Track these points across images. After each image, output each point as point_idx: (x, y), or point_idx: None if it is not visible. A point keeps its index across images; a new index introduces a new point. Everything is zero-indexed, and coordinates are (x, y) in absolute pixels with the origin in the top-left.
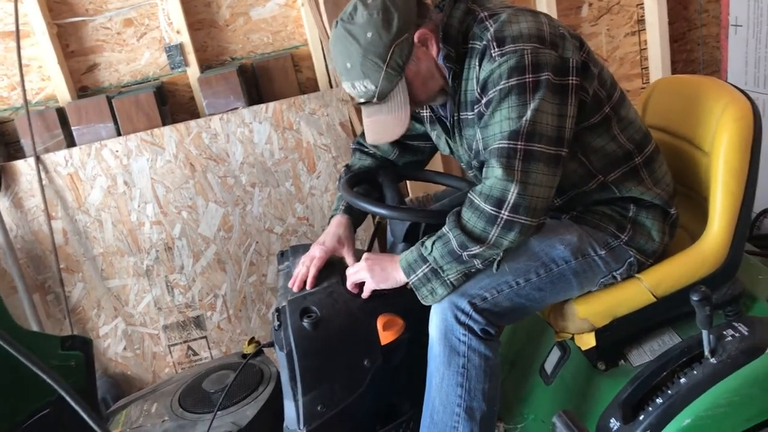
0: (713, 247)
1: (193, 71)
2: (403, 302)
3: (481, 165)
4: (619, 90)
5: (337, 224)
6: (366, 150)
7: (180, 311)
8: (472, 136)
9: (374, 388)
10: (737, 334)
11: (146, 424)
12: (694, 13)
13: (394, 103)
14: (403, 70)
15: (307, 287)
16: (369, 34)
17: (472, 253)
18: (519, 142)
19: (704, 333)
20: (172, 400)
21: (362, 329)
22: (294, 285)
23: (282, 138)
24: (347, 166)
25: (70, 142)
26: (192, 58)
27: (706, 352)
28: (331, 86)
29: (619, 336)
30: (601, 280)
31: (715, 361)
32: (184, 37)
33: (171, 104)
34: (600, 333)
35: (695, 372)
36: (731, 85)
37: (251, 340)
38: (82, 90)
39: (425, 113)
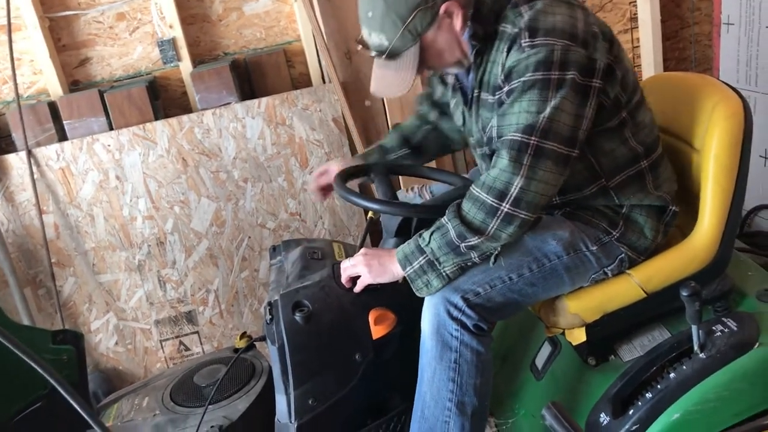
0: (703, 244)
1: (185, 66)
2: (395, 297)
3: (492, 152)
4: (640, 93)
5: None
6: (417, 114)
7: (172, 306)
8: (487, 119)
9: (365, 382)
10: (726, 330)
11: (137, 418)
12: (686, 12)
13: (402, 63)
14: (421, 36)
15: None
16: None
17: (469, 244)
18: (533, 138)
19: (693, 328)
20: (164, 394)
21: (354, 323)
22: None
23: (274, 133)
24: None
25: (62, 136)
26: (185, 52)
27: (696, 348)
28: (324, 82)
29: (609, 331)
30: (593, 276)
31: (704, 356)
32: (177, 32)
33: (163, 99)
34: (590, 328)
35: (684, 367)
36: (723, 82)
37: (243, 335)
38: (73, 84)
39: (450, 79)
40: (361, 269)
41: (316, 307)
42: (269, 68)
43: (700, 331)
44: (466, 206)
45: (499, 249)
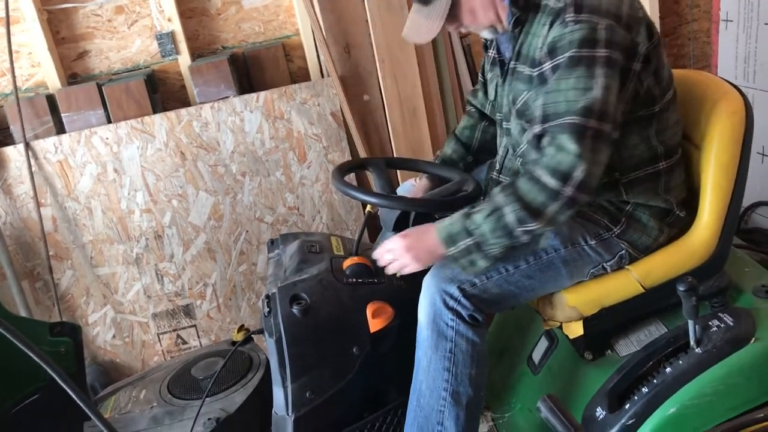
0: (702, 240)
1: (184, 59)
2: (393, 290)
3: (522, 126)
4: (673, 92)
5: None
6: (469, 109)
7: (169, 299)
8: (520, 91)
9: (363, 376)
10: (722, 325)
11: (135, 410)
12: (685, 8)
13: (433, 11)
14: None
15: None
16: None
17: (527, 229)
18: (591, 120)
19: (690, 323)
20: (161, 386)
21: (352, 317)
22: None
23: (273, 127)
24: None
25: (60, 129)
26: (183, 46)
27: (692, 342)
28: (323, 76)
29: (606, 325)
30: (591, 271)
31: (700, 351)
32: (176, 25)
33: (162, 92)
34: (588, 322)
35: (681, 362)
36: (723, 79)
37: (241, 328)
38: (72, 77)
39: (492, 53)
40: (406, 259)
41: (314, 300)
42: (268, 62)
43: (697, 326)
44: (525, 187)
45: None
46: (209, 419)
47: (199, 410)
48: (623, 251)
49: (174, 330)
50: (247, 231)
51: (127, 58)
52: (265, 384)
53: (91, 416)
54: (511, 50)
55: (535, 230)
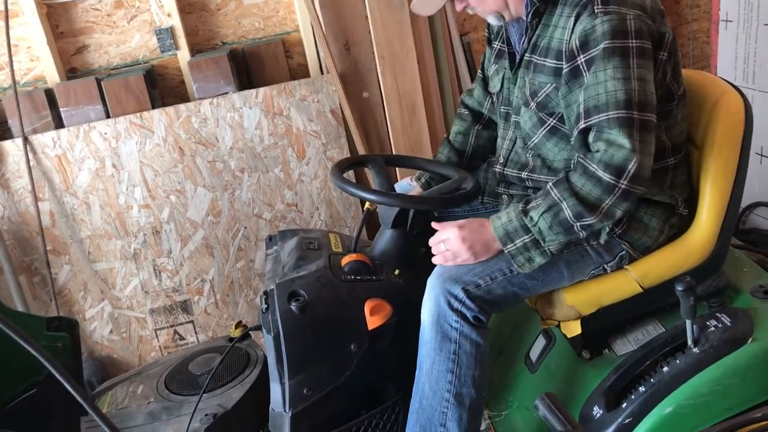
0: (701, 240)
1: (183, 55)
2: (392, 287)
3: (540, 120)
4: (684, 89)
5: None
6: (462, 112)
7: (167, 295)
8: (543, 84)
9: (360, 373)
10: (720, 325)
11: (131, 406)
12: (685, 8)
13: None
14: None
15: None
16: None
17: (585, 223)
18: (634, 112)
19: (688, 323)
20: (158, 381)
21: (350, 314)
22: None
23: (272, 124)
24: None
25: (59, 124)
26: (183, 41)
27: (689, 342)
28: (322, 73)
29: (604, 325)
30: (592, 271)
31: (697, 351)
32: (175, 21)
33: (161, 88)
34: (586, 321)
35: (678, 361)
36: (723, 79)
37: (238, 324)
38: (71, 71)
39: (497, 44)
40: (465, 254)
41: (312, 297)
42: (267, 58)
43: (695, 326)
44: (579, 182)
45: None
46: (206, 415)
47: (197, 406)
48: (624, 252)
49: (171, 326)
50: (246, 227)
51: (126, 53)
52: (263, 380)
53: (88, 410)
54: (526, 42)
55: (593, 225)
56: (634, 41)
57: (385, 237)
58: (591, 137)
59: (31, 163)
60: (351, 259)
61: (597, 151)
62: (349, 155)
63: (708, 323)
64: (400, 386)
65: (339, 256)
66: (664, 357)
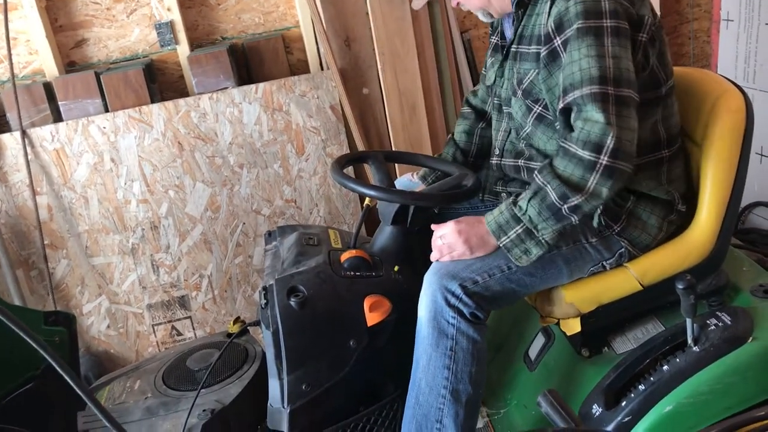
0: (700, 238)
1: (183, 49)
2: (391, 284)
3: (528, 108)
4: (673, 80)
5: None
6: (465, 111)
7: (165, 291)
8: (526, 70)
9: (359, 369)
10: (720, 324)
11: (129, 401)
12: (685, 7)
13: None
14: None
15: None
16: None
17: (572, 204)
18: (609, 87)
19: (688, 321)
20: (156, 377)
21: (349, 310)
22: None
23: (271, 119)
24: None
25: (57, 118)
26: (182, 36)
27: (690, 341)
28: (322, 68)
29: (604, 323)
30: (591, 269)
31: (697, 350)
32: (175, 15)
33: (160, 82)
34: (585, 319)
35: (678, 360)
36: (724, 77)
37: (237, 320)
38: (70, 65)
39: (494, 39)
40: (461, 247)
41: (312, 293)
42: (267, 54)
43: (695, 325)
44: (561, 164)
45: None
46: (204, 411)
47: (194, 401)
48: (623, 249)
49: (169, 321)
50: (244, 223)
51: (125, 47)
52: (261, 376)
53: (88, 402)
54: (513, 33)
55: (581, 206)
56: (608, 21)
57: (384, 233)
58: (572, 117)
59: (29, 157)
60: (351, 255)
61: (575, 130)
62: (348, 152)
63: (708, 322)
64: (399, 383)
65: (338, 252)
66: (663, 355)
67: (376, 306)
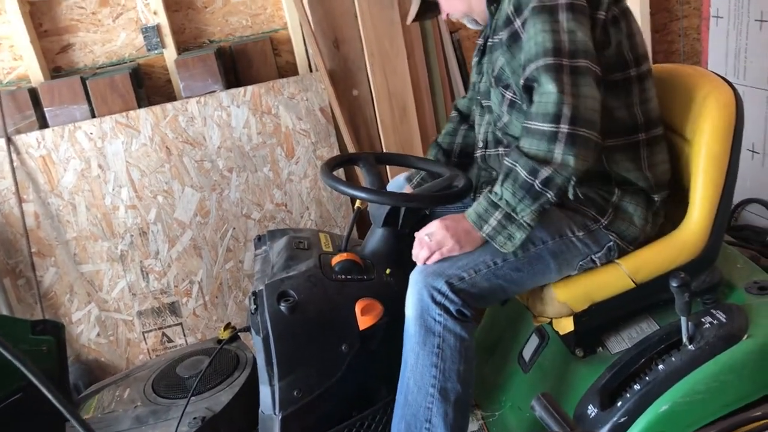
0: (693, 235)
1: (170, 53)
2: (382, 287)
3: (502, 93)
4: (649, 65)
5: None
6: (452, 115)
7: (155, 297)
8: (497, 58)
9: (351, 374)
10: (715, 322)
11: (118, 410)
12: (675, 5)
13: None
14: None
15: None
16: None
17: (543, 178)
18: (563, 59)
19: (683, 320)
20: (146, 385)
21: (340, 314)
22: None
23: (260, 122)
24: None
25: (43, 124)
26: (169, 40)
27: (685, 339)
28: (311, 70)
29: (597, 322)
30: (580, 263)
31: (693, 348)
32: (161, 19)
33: (147, 87)
34: (578, 318)
35: (673, 359)
36: (714, 73)
37: (227, 326)
38: (55, 70)
39: (480, 41)
40: (449, 242)
41: (302, 297)
42: (255, 56)
43: (690, 323)
44: (526, 142)
45: (574, 181)
46: (194, 418)
47: (184, 409)
48: (611, 243)
49: (159, 328)
50: (234, 228)
51: (111, 51)
52: (252, 383)
53: (69, 418)
54: (489, 29)
55: (553, 178)
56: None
57: (376, 236)
58: (533, 94)
59: (15, 164)
60: (342, 258)
61: (533, 105)
62: (338, 154)
63: (703, 320)
64: (392, 387)
65: (329, 256)
66: (658, 354)
67: (367, 309)
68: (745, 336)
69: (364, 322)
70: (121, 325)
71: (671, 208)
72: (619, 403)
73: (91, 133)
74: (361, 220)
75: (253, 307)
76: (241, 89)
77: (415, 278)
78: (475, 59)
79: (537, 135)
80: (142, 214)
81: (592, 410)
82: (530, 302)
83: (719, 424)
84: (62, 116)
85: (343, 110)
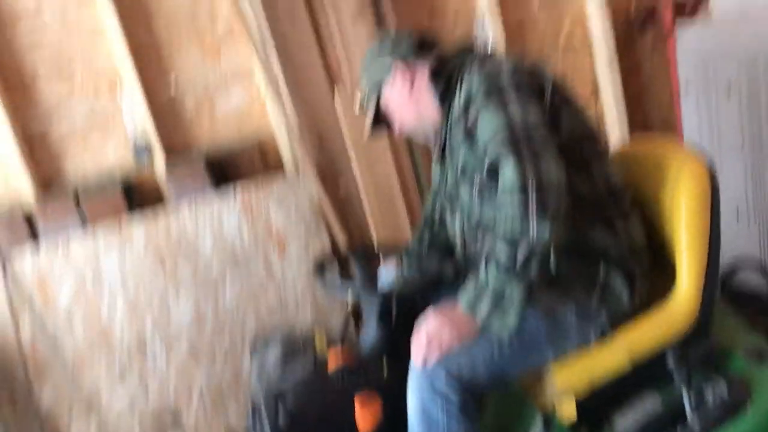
0: (684, 308)
1: (159, 165)
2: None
3: (470, 188)
4: (604, 143)
5: None
6: (419, 224)
7: (155, 409)
8: (458, 152)
9: None
10: (717, 391)
11: None
12: (645, 78)
13: (370, 110)
14: (380, 87)
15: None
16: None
17: (523, 258)
18: (518, 131)
19: (684, 394)
20: None
21: (340, 417)
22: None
23: (251, 225)
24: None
25: (36, 242)
26: (158, 153)
27: (688, 414)
28: (298, 171)
29: (599, 402)
30: (576, 343)
31: (697, 423)
32: (150, 133)
33: (138, 198)
34: (581, 403)
35: None
36: (685, 146)
37: None
38: (46, 189)
39: (436, 148)
40: (448, 334)
41: (300, 407)
42: (243, 163)
43: (692, 395)
44: (501, 224)
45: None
46: None
47: None
48: (603, 319)
49: None
50: (231, 332)
51: (103, 167)
52: None
53: None
54: (444, 131)
55: (532, 254)
56: (507, 84)
57: (370, 329)
58: (500, 173)
59: (9, 286)
60: (338, 360)
61: (499, 184)
62: (330, 249)
63: (705, 392)
64: None
65: (325, 357)
66: (664, 427)
67: (367, 408)
68: (748, 405)
69: (365, 422)
70: None
71: (660, 284)
72: None
73: (85, 248)
74: (357, 320)
75: (251, 422)
76: (231, 194)
77: (414, 372)
78: (436, 166)
79: (509, 212)
80: (138, 326)
81: None
82: (531, 391)
83: None
84: (55, 233)
85: (332, 207)
